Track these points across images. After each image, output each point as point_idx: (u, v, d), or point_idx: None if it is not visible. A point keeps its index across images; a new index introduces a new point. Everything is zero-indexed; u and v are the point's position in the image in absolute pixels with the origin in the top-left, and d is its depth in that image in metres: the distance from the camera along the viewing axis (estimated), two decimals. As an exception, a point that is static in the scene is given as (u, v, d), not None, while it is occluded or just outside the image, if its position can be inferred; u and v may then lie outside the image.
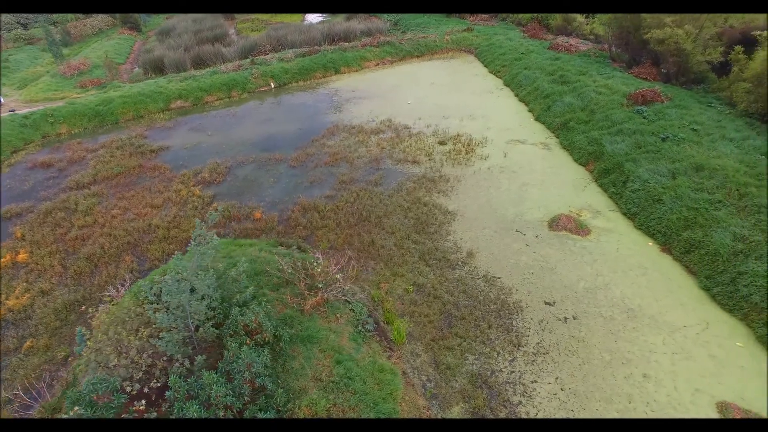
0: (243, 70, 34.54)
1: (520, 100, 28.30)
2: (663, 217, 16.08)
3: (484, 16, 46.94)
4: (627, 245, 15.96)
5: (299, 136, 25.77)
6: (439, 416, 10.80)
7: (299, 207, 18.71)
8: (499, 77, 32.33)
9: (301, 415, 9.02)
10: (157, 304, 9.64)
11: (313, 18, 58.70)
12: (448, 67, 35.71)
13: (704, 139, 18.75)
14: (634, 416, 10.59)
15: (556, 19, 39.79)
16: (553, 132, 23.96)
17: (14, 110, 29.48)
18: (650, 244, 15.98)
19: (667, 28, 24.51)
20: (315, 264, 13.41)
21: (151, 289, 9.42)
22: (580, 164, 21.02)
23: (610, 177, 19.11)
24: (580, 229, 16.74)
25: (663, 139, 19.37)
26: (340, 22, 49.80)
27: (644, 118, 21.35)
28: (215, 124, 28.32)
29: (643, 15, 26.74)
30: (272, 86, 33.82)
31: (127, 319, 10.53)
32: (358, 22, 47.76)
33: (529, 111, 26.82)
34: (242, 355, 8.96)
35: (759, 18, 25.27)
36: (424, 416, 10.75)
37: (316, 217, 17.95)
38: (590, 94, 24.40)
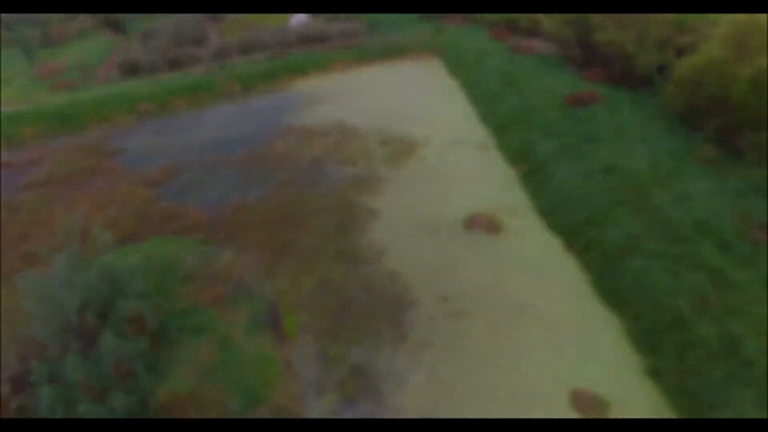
0: (211, 73, 35.42)
1: (471, 102, 28.86)
2: (570, 217, 16.67)
3: (457, 17, 47.45)
4: (534, 244, 16.56)
5: (252, 138, 26.51)
6: (311, 403, 11.53)
7: (232, 207, 19.51)
8: (458, 79, 32.89)
9: (162, 398, 9.78)
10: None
11: (294, 20, 59.48)
12: (411, 70, 36.32)
13: (624, 141, 19.29)
14: (492, 405, 11.25)
15: (524, 21, 40.23)
16: (494, 133, 24.53)
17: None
18: (557, 243, 16.57)
19: (609, 31, 25.01)
20: (219, 260, 14.19)
21: (26, 282, 10.24)
22: (512, 165, 21.60)
23: (534, 178, 19.69)
24: (493, 228, 17.35)
25: (587, 141, 19.93)
26: (319, 24, 50.56)
27: (576, 119, 21.89)
28: (176, 127, 29.18)
29: (590, 17, 27.24)
30: (238, 89, 34.64)
31: (5, 309, 11.41)
32: (336, 24, 48.48)
33: (477, 113, 27.40)
34: (107, 342, 9.77)
35: (703, 23, 25.70)
36: (297, 403, 11.48)
37: (245, 217, 18.73)
38: (532, 96, 24.95)
